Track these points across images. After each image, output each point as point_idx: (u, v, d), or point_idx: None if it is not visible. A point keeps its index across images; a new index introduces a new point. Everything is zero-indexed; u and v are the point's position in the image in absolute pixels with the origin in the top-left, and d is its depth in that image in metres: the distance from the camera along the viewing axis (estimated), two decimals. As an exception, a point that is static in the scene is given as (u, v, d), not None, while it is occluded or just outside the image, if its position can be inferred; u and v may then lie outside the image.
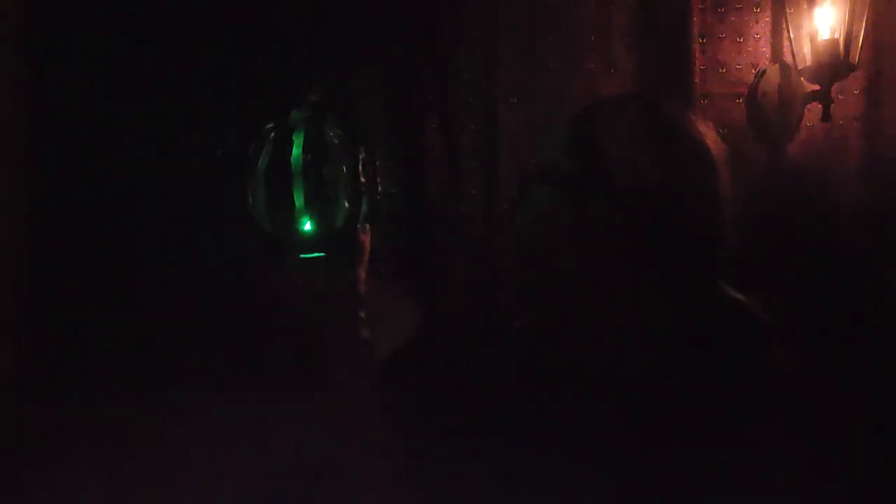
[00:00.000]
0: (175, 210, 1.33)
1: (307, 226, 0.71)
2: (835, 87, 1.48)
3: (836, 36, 1.43)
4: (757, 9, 1.54)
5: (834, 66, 1.45)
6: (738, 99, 1.53)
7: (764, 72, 1.52)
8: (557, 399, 0.74)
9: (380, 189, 0.74)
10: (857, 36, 1.44)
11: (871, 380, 1.36)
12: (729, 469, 0.67)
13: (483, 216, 1.45)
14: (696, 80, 1.50)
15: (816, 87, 1.49)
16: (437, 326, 1.37)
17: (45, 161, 1.30)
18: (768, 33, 1.54)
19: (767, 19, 1.54)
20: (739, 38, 1.54)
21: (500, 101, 1.46)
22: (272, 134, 0.73)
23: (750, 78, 1.53)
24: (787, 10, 1.49)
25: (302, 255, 0.72)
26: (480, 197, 1.46)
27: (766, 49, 1.54)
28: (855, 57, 1.45)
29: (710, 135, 0.76)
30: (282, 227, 0.71)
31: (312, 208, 0.71)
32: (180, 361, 1.19)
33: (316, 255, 0.72)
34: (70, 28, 1.31)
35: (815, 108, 1.51)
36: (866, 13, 1.44)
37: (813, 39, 1.46)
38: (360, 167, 0.72)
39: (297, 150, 0.71)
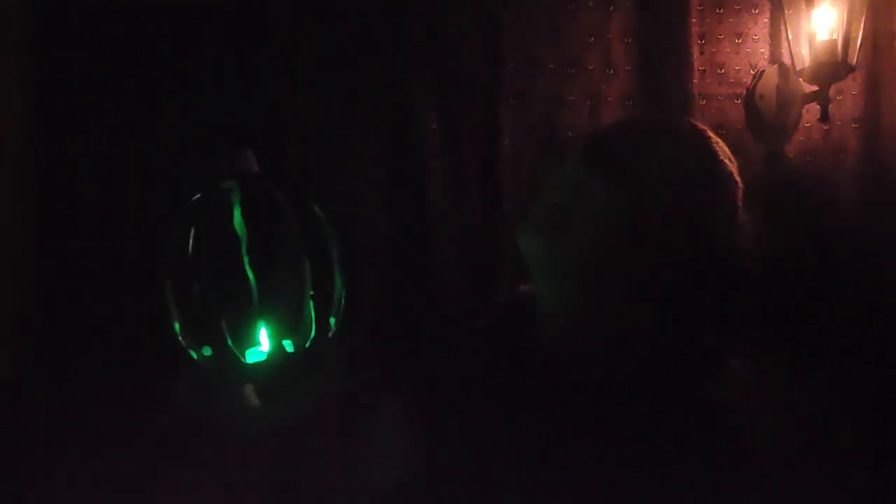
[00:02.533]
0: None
1: (263, 345, 0.56)
2: (833, 88, 1.48)
3: (835, 37, 1.44)
4: (755, 10, 1.54)
5: (832, 67, 1.45)
6: (737, 100, 1.54)
7: (762, 73, 1.53)
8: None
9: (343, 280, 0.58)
10: (856, 37, 1.45)
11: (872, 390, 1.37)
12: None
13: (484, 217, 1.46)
14: (695, 80, 1.50)
15: (815, 88, 1.49)
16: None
17: (47, 162, 1.30)
18: (767, 34, 1.54)
19: (766, 20, 1.54)
20: (738, 40, 1.54)
21: (500, 102, 1.47)
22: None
23: (748, 79, 1.54)
24: (786, 12, 1.49)
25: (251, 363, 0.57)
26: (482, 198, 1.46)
27: (764, 50, 1.55)
28: (853, 58, 1.45)
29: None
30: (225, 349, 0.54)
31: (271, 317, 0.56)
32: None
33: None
34: (72, 28, 1.31)
35: (813, 109, 1.51)
36: (864, 14, 1.44)
37: (811, 40, 1.46)
38: (326, 242, 0.57)
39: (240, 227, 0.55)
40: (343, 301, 0.63)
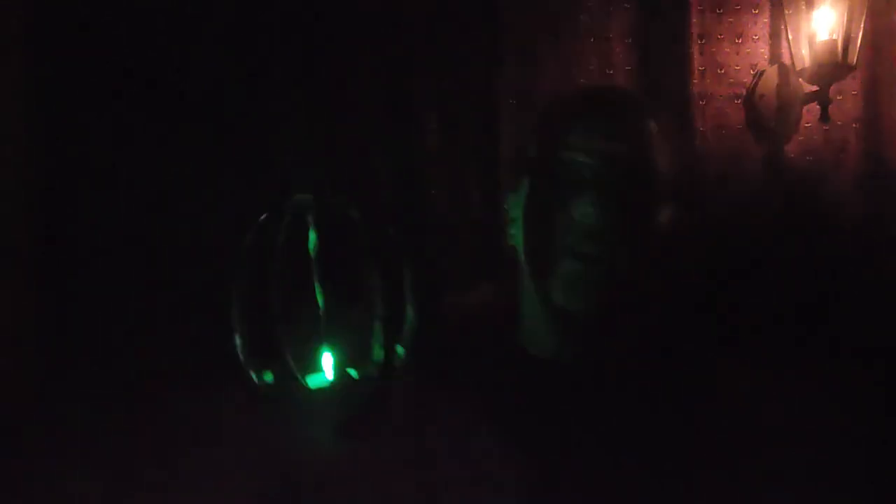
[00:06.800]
0: (179, 209, 1.33)
1: (327, 370, 0.54)
2: (833, 88, 1.48)
3: (835, 37, 1.44)
4: (755, 10, 1.54)
5: (832, 67, 1.45)
6: (737, 100, 1.53)
7: (762, 73, 1.53)
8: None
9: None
10: (856, 37, 1.45)
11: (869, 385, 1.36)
12: None
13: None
14: (695, 81, 1.50)
15: (815, 88, 1.49)
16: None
17: (50, 161, 1.30)
18: (767, 35, 1.54)
19: (766, 21, 1.54)
20: (738, 40, 1.54)
21: (500, 102, 1.46)
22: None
23: (748, 79, 1.54)
24: (786, 12, 1.49)
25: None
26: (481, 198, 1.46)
27: (764, 50, 1.55)
28: (853, 58, 1.45)
29: None
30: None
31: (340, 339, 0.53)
32: (183, 362, 1.19)
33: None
34: (73, 27, 1.31)
35: (813, 109, 1.51)
36: (864, 14, 1.44)
37: (811, 40, 1.46)
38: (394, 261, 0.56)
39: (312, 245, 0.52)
40: (413, 329, 0.60)
